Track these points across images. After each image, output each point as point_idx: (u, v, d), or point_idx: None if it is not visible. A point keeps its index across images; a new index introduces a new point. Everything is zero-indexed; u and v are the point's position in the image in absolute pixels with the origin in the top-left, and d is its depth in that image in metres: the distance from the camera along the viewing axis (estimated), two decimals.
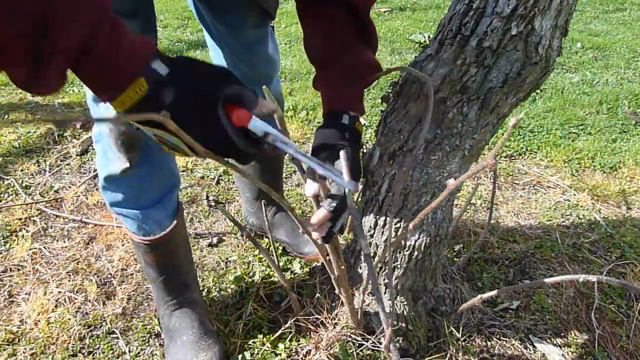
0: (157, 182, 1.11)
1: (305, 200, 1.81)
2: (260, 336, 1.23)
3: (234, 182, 1.90)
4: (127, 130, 0.96)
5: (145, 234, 1.13)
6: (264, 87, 0.80)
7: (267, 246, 1.57)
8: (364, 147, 1.15)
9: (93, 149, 1.87)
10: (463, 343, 1.20)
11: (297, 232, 1.54)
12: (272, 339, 1.20)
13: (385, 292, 1.17)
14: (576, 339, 1.27)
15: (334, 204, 0.86)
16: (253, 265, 1.50)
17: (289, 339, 1.20)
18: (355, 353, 1.13)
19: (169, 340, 1.22)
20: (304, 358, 1.16)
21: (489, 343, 1.23)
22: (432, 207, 0.67)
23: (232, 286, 1.40)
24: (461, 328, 1.22)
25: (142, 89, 0.58)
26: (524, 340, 1.25)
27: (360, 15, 0.92)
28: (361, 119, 0.99)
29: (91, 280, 1.43)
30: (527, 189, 1.94)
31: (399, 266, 1.12)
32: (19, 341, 1.25)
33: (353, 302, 1.11)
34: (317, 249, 0.94)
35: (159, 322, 1.27)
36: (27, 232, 1.62)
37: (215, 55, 1.27)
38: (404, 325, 1.13)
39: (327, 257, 0.98)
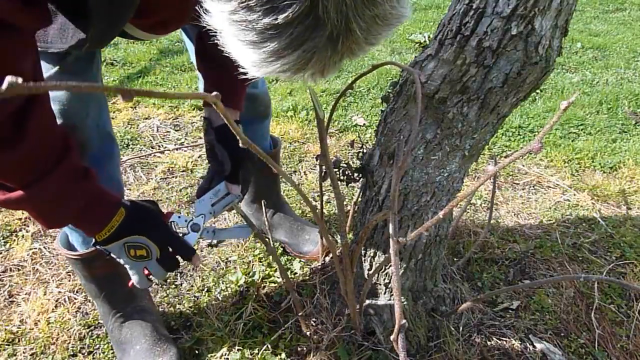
0: None
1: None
2: (260, 336, 1.23)
3: None
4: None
5: (88, 246, 1.11)
6: (309, 87, 0.82)
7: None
8: (364, 147, 1.15)
9: None
10: (463, 343, 1.20)
11: (296, 232, 1.54)
12: (272, 339, 1.20)
13: (385, 292, 1.17)
14: (576, 339, 1.27)
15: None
16: (253, 265, 1.50)
17: (289, 339, 1.20)
18: (355, 353, 1.13)
19: (121, 354, 1.19)
20: (304, 358, 1.16)
21: (489, 343, 1.23)
22: (446, 211, 0.68)
23: (232, 286, 1.40)
24: (461, 328, 1.22)
25: (121, 215, 0.86)
26: (524, 340, 1.25)
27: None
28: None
29: None
30: (527, 189, 1.94)
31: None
32: (19, 341, 1.25)
33: (355, 303, 1.11)
34: (331, 250, 0.95)
35: (108, 337, 1.24)
36: (27, 232, 1.62)
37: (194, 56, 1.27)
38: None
39: (339, 256, 0.98)
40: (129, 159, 2.05)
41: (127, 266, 0.91)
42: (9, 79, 0.25)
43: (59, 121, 0.86)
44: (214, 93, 0.47)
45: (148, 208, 0.93)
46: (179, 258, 0.94)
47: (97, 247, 0.88)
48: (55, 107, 0.87)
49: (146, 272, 0.93)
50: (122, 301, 1.21)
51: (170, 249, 0.92)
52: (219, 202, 1.05)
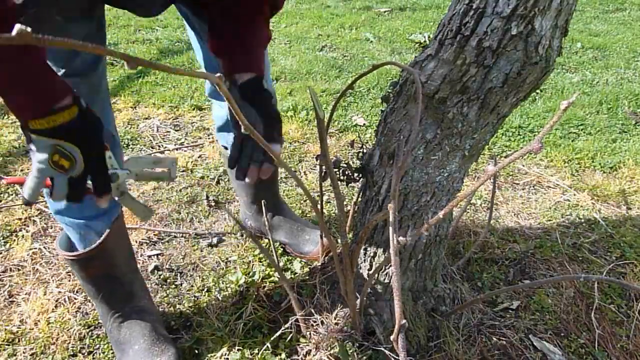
0: None
1: (305, 200, 1.81)
2: (260, 336, 1.23)
3: None
4: None
5: (85, 246, 1.10)
6: (309, 87, 0.81)
7: (267, 246, 1.57)
8: (364, 147, 1.15)
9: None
10: (463, 343, 1.20)
11: (297, 232, 1.54)
12: (272, 339, 1.20)
13: (385, 292, 1.17)
14: (576, 339, 1.27)
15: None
16: (253, 265, 1.50)
17: (289, 339, 1.20)
18: (355, 353, 1.13)
19: (120, 354, 1.19)
20: (304, 358, 1.16)
21: (489, 343, 1.23)
22: (446, 210, 0.68)
23: (232, 286, 1.40)
24: (461, 328, 1.22)
25: (72, 115, 0.76)
26: (524, 340, 1.25)
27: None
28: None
29: None
30: (527, 189, 1.94)
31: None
32: (19, 341, 1.25)
33: (355, 303, 1.11)
34: (331, 250, 0.95)
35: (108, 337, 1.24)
36: (27, 232, 1.62)
37: (201, 56, 1.24)
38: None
39: (339, 256, 0.98)
40: None
41: (35, 169, 0.78)
42: (18, 26, 0.26)
43: None
44: (217, 75, 0.46)
45: (101, 128, 0.83)
46: (88, 193, 0.83)
47: (24, 131, 0.76)
48: None
49: (48, 182, 0.80)
50: (120, 301, 1.21)
51: (90, 177, 0.81)
52: (151, 171, 0.91)
